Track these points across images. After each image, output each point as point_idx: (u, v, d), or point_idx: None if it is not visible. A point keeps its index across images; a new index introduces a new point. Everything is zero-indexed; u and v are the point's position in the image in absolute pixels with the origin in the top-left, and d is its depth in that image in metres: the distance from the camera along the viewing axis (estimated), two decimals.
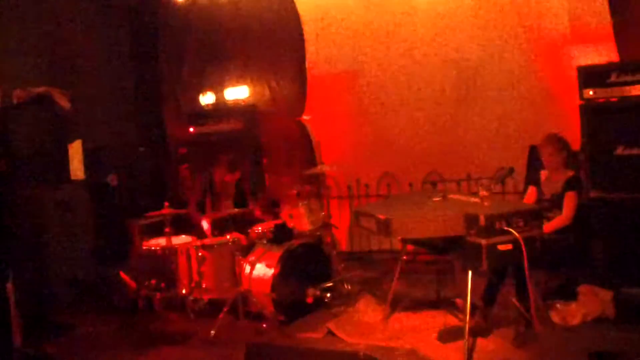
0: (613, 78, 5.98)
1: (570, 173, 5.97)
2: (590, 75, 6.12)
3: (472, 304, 5.00)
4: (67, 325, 6.74)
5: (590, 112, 6.12)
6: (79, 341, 6.42)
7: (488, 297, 5.75)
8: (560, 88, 7.50)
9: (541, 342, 5.21)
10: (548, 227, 5.62)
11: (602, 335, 5.26)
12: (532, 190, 6.26)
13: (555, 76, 7.62)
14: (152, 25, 9.87)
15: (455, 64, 8.29)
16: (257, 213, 7.52)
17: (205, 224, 7.16)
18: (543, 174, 6.19)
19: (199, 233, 7.14)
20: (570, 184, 5.88)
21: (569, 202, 5.81)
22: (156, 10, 9.83)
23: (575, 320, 5.54)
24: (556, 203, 5.87)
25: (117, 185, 8.68)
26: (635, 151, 5.85)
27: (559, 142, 6.01)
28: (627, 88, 5.91)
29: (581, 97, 6.15)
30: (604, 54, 7.04)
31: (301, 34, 9.16)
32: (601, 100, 6.08)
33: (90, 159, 7.94)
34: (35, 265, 6.95)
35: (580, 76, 6.18)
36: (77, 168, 7.68)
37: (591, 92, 6.08)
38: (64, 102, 7.40)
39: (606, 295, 5.68)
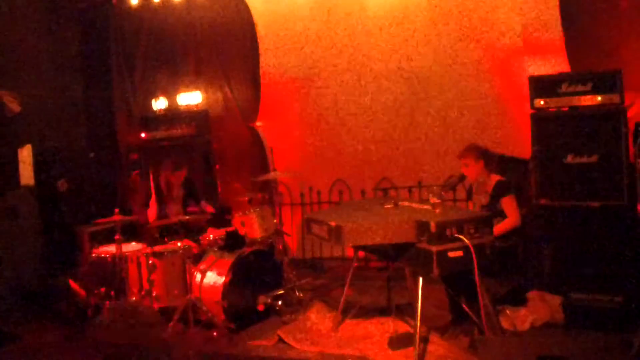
0: (564, 88, 6.08)
1: (494, 180, 6.04)
2: (541, 85, 6.21)
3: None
4: (12, 335, 6.58)
5: (541, 121, 6.20)
6: (24, 352, 6.26)
7: (454, 310, 5.78)
8: (511, 97, 7.59)
9: (490, 347, 5.24)
10: (497, 229, 5.63)
11: (551, 340, 5.35)
12: (470, 205, 6.34)
13: (507, 86, 7.71)
14: (103, 29, 9.72)
15: (407, 72, 8.33)
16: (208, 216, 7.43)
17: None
18: (473, 186, 6.26)
19: (148, 240, 7.04)
20: (499, 191, 5.96)
21: (508, 207, 5.90)
22: (107, 14, 9.69)
23: (525, 326, 5.60)
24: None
25: (67, 191, 8.53)
26: (584, 159, 5.94)
27: (474, 152, 6.08)
28: (577, 98, 6.02)
29: (532, 106, 6.24)
30: (555, 64, 7.17)
31: (255, 41, 9.13)
32: (552, 109, 6.18)
33: (39, 164, 7.79)
34: None
35: (531, 86, 6.27)
36: (26, 173, 7.54)
37: (542, 102, 6.18)
38: (14, 106, 7.28)
39: (555, 300, 5.77)
